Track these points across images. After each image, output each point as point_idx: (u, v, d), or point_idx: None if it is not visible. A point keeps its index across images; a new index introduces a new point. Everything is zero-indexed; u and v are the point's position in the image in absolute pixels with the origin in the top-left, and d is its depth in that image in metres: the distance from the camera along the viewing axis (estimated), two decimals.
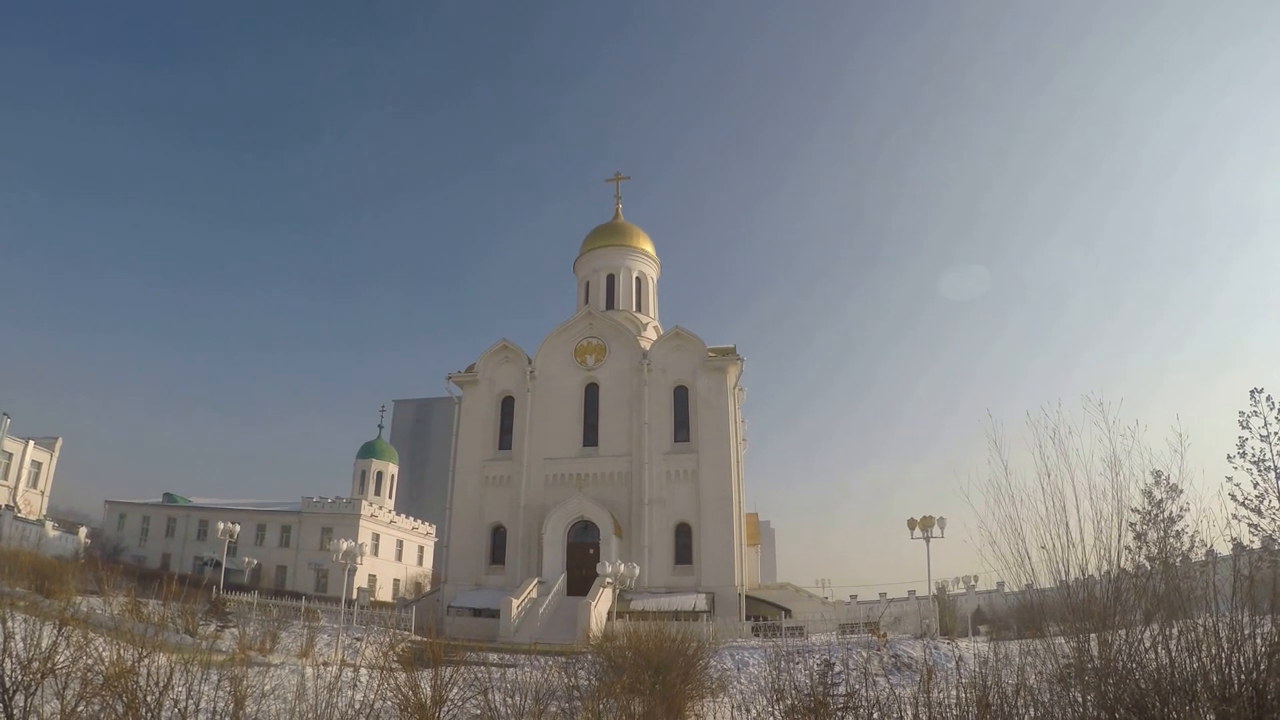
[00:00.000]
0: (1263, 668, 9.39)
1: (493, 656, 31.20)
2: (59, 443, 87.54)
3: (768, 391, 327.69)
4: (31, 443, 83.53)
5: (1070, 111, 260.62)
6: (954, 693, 9.64)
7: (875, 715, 9.64)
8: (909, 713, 9.26)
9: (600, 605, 47.99)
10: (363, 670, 20.56)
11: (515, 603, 49.24)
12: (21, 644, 12.30)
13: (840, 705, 12.13)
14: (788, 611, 55.23)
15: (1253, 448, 19.73)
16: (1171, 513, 13.64)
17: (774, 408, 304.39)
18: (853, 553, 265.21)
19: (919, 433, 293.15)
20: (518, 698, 15.09)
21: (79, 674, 12.01)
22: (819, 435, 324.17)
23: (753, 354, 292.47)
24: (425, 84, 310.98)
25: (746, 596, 57.55)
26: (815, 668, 16.86)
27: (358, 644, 34.81)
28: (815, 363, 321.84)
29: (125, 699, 10.65)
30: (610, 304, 72.41)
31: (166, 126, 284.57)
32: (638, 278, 74.84)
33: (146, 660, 12.38)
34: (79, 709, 11.21)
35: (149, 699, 10.80)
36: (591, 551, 57.52)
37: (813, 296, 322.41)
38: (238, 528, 57.14)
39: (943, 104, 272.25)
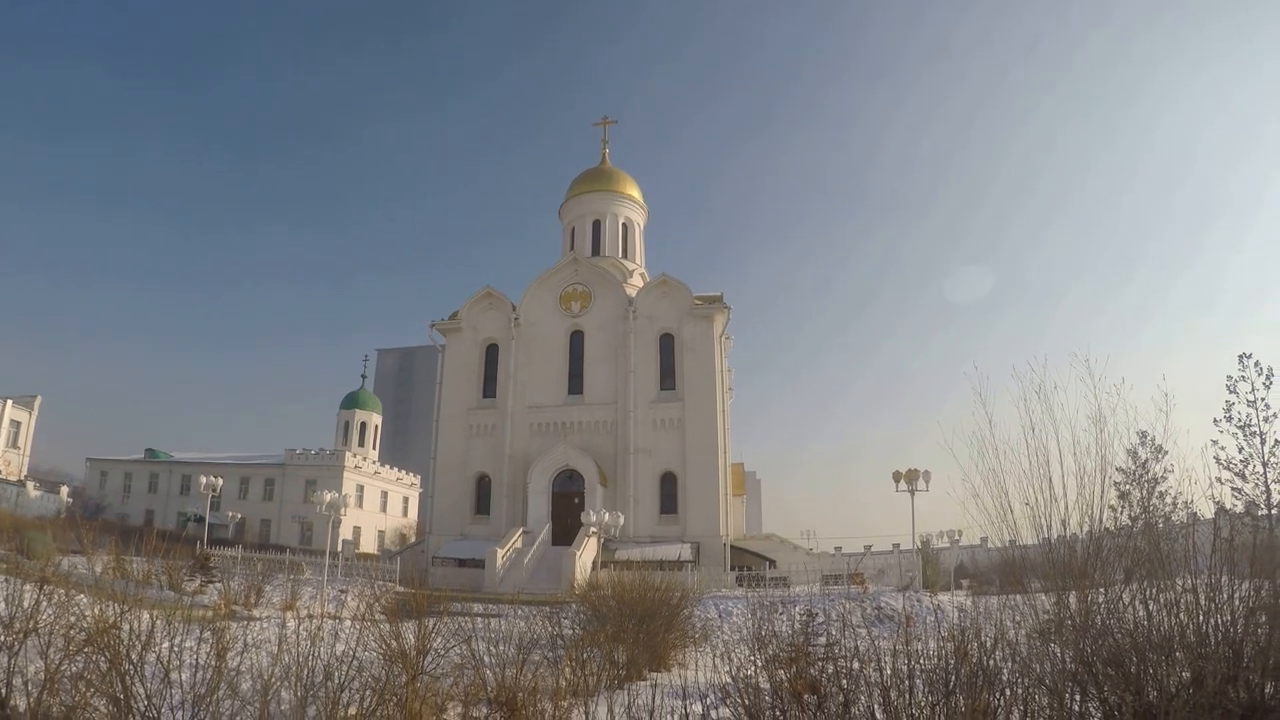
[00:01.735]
0: (1239, 628, 9.47)
1: (477, 607, 31.25)
2: (38, 401, 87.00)
3: (774, 345, 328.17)
4: (10, 401, 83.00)
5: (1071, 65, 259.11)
6: (933, 644, 9.66)
7: (855, 665, 9.64)
8: (889, 662, 9.26)
9: (585, 555, 48.21)
10: (347, 622, 20.62)
11: (500, 553, 49.42)
12: (3, 604, 12.24)
13: (821, 655, 12.15)
14: (772, 562, 55.52)
15: (1239, 412, 19.89)
16: (1156, 473, 13.67)
17: (781, 363, 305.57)
18: (845, 506, 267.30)
19: (928, 392, 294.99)
20: (502, 647, 15.10)
21: (62, 632, 11.97)
22: (819, 392, 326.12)
23: (759, 312, 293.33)
24: (401, 26, 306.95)
25: (731, 547, 57.90)
26: (798, 618, 16.96)
27: (342, 596, 34.86)
28: (822, 319, 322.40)
29: (108, 655, 10.61)
30: (596, 250, 71.84)
31: (134, 59, 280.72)
32: (624, 224, 74.29)
33: (129, 617, 12.34)
34: (63, 667, 11.17)
35: (132, 655, 10.76)
36: (577, 501, 57.64)
37: (820, 252, 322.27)
38: (220, 482, 56.95)
39: (950, 25, 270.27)
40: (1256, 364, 19.75)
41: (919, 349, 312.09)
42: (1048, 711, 9.18)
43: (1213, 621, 9.55)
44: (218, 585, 34.10)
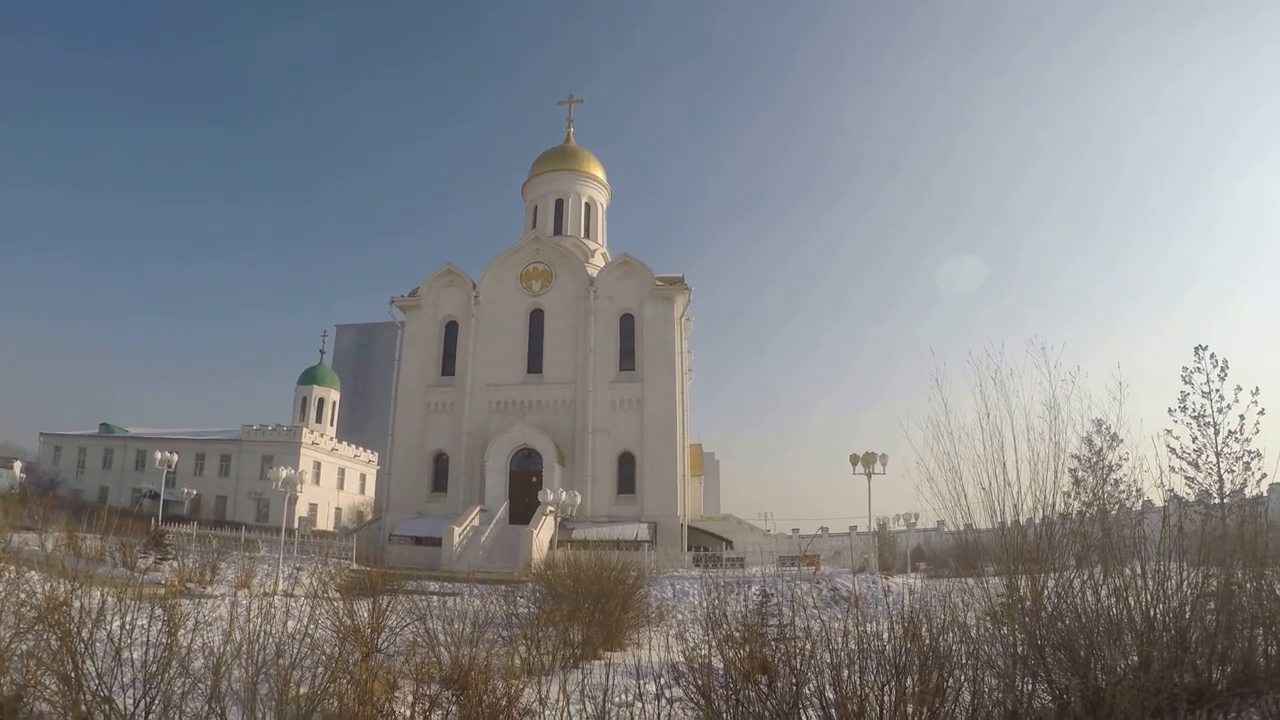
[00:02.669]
0: (1187, 614, 9.62)
1: (433, 585, 31.23)
2: None
3: (728, 327, 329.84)
4: None
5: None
6: (884, 625, 9.74)
7: (806, 645, 9.71)
8: (840, 643, 9.34)
9: (542, 534, 48.14)
10: (301, 599, 20.50)
11: (457, 531, 49.17)
12: None
13: (775, 636, 12.24)
14: (729, 543, 55.71)
15: (1194, 403, 20.24)
16: (1111, 461, 13.84)
17: (735, 344, 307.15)
18: (803, 488, 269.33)
19: (873, 374, 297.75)
20: (457, 625, 15.09)
21: (13, 609, 11.81)
22: (777, 373, 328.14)
23: (714, 293, 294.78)
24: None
25: (689, 527, 57.99)
26: (753, 598, 17.06)
27: (298, 574, 34.66)
28: (776, 301, 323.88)
29: (59, 633, 10.48)
30: (559, 229, 71.27)
31: (84, 27, 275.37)
32: (587, 203, 73.80)
33: (81, 594, 12.21)
34: (13, 645, 11.02)
35: (83, 633, 10.64)
36: (534, 480, 57.44)
37: (773, 237, 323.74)
38: (176, 458, 56.21)
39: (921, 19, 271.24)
40: (1212, 356, 20.02)
41: (873, 331, 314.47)
42: (997, 693, 9.29)
43: (1160, 607, 9.69)
44: (172, 562, 33.81)
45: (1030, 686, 9.48)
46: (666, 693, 11.39)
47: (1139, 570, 10.06)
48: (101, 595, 11.81)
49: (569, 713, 9.98)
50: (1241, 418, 19.34)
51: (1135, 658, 9.31)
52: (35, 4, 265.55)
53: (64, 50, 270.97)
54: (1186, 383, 20.11)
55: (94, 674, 9.95)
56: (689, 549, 50.91)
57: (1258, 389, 18.86)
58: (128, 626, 10.93)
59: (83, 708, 9.65)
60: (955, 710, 9.01)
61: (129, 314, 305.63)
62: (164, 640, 10.55)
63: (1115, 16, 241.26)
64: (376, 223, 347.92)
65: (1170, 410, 19.83)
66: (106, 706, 9.68)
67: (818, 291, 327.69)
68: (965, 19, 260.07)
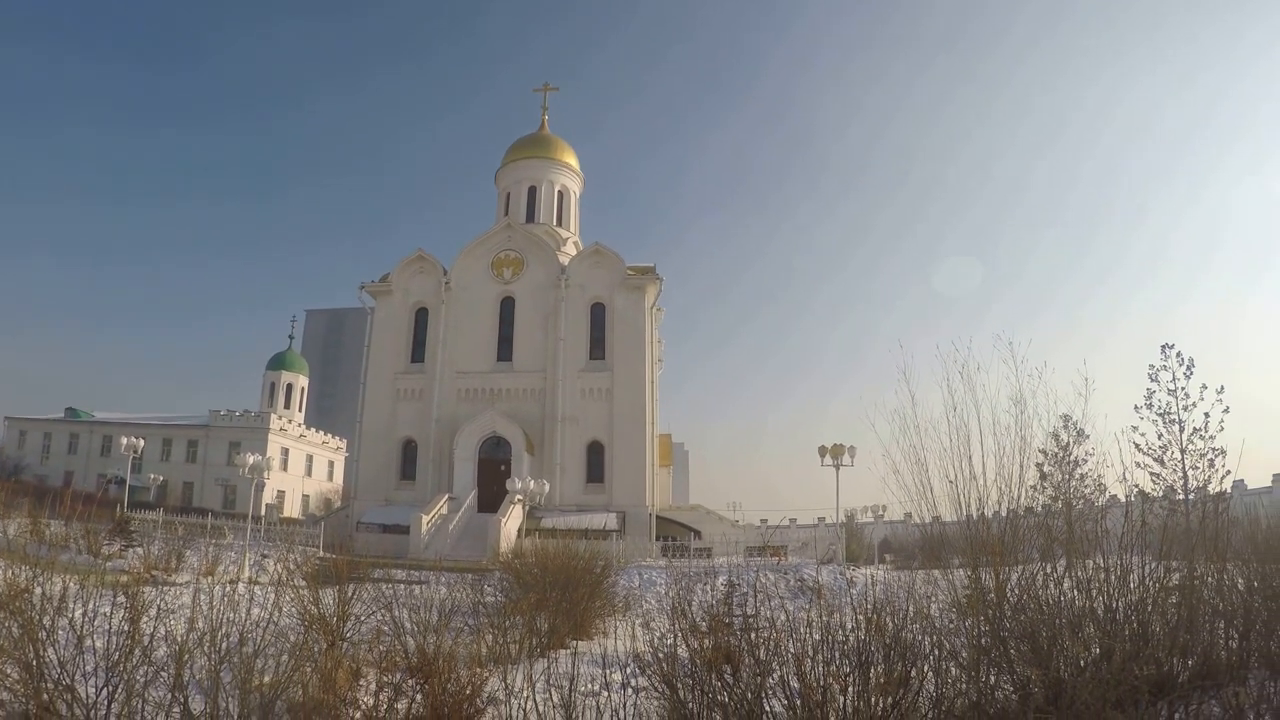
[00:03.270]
0: (1148, 607, 9.73)
1: (400, 573, 31.12)
2: None
3: (701, 319, 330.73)
4: None
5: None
6: (849, 615, 9.79)
7: (770, 634, 9.76)
8: (805, 633, 9.39)
9: (510, 522, 48.04)
10: (268, 587, 20.38)
11: (425, 519, 48.99)
12: None
13: (740, 626, 12.28)
14: (697, 533, 55.90)
15: (1160, 400, 20.50)
16: (1077, 456, 13.97)
17: (708, 336, 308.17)
18: (773, 479, 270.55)
19: (842, 367, 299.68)
20: (424, 614, 15.04)
21: None
22: (746, 364, 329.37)
23: (684, 285, 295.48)
24: None
25: (657, 517, 58.18)
26: (719, 588, 17.11)
27: (264, 561, 34.43)
28: (747, 294, 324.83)
29: (20, 621, 10.36)
30: (531, 217, 70.94)
31: (73, 37, 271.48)
32: (560, 191, 73.52)
33: (43, 581, 12.08)
34: None
35: (45, 621, 10.53)
36: (503, 468, 57.26)
37: (745, 231, 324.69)
38: (142, 443, 55.62)
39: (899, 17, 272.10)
40: (1178, 354, 20.24)
41: (842, 324, 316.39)
42: (961, 684, 9.36)
43: (1122, 601, 9.79)
44: (138, 549, 33.51)
45: (993, 677, 9.55)
46: (632, 682, 11.42)
47: (1102, 564, 10.15)
48: (63, 582, 11.69)
49: (535, 702, 9.98)
50: (1206, 415, 19.60)
51: (1097, 650, 9.39)
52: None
53: (31, 54, 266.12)
54: (1153, 380, 20.33)
55: (56, 662, 9.85)
56: (657, 539, 51.08)
57: (1223, 387, 19.10)
58: (90, 614, 10.82)
59: (45, 696, 9.56)
60: (919, 700, 9.08)
61: (99, 304, 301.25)
62: (126, 628, 10.45)
63: (1078, 23, 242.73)
64: (350, 209, 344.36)
65: (1136, 407, 20.06)
66: (69, 695, 9.59)
67: (789, 284, 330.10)
68: (938, 21, 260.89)
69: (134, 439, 52.71)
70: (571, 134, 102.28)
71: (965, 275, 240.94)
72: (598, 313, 63.11)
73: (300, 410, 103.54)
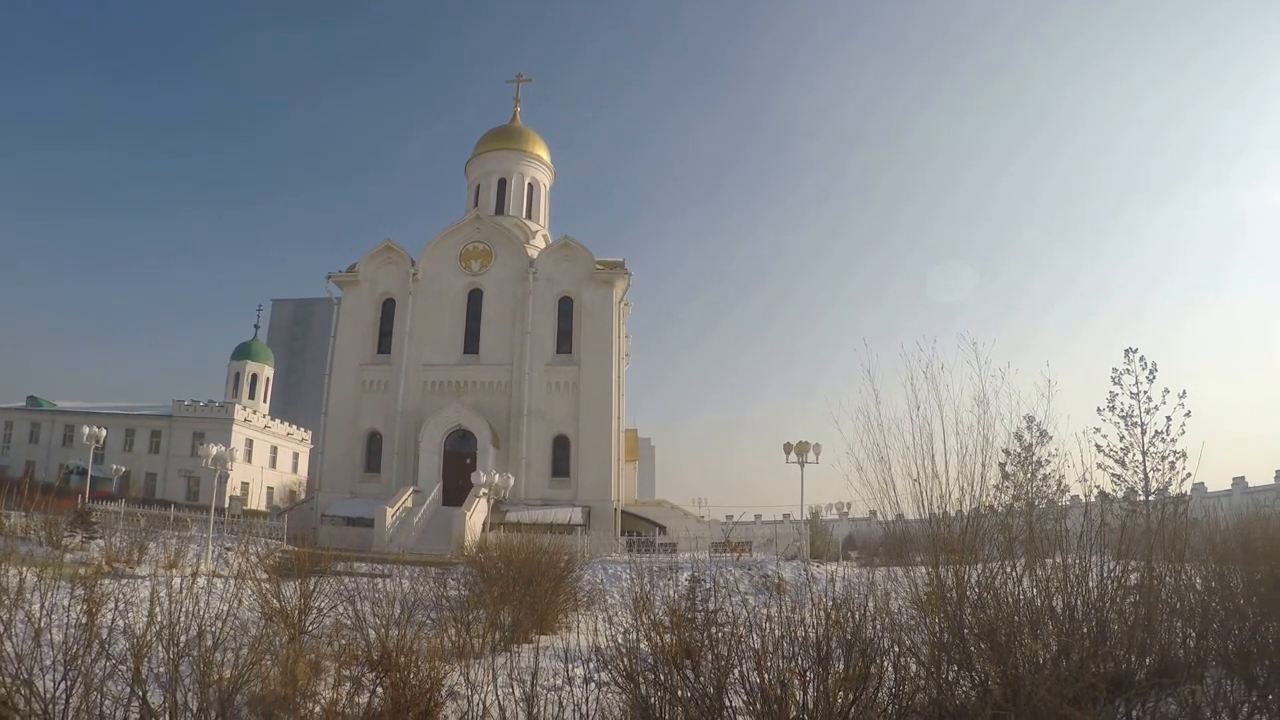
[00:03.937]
0: (1107, 605, 9.85)
1: (363, 566, 31.00)
2: None
3: (673, 316, 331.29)
4: None
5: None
6: (809, 610, 9.86)
7: (731, 630, 9.83)
8: (766, 628, 9.46)
9: (475, 516, 47.90)
10: (230, 580, 20.26)
11: (390, 512, 48.68)
12: None
13: (703, 622, 12.34)
14: (663, 528, 56.00)
15: (1122, 403, 20.74)
16: (1040, 457, 14.12)
17: (679, 333, 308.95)
18: (742, 476, 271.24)
19: (811, 366, 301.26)
20: (387, 607, 15.00)
21: None
22: (720, 362, 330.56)
23: (660, 283, 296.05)
24: None
25: (623, 512, 58.16)
26: (683, 583, 17.18)
27: (228, 554, 34.17)
28: (722, 292, 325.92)
29: None
30: (500, 209, 70.58)
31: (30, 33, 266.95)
32: (530, 184, 73.13)
33: (0, 572, 11.96)
34: None
35: (2, 613, 10.42)
36: (468, 461, 57.08)
37: (720, 230, 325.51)
38: (104, 433, 55.13)
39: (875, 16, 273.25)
40: (1141, 359, 20.47)
41: (813, 324, 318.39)
42: (921, 680, 9.44)
43: (1081, 599, 9.90)
44: (99, 541, 33.18)
45: (953, 674, 9.64)
46: (595, 677, 11.44)
47: (1060, 563, 10.27)
48: (20, 574, 11.57)
49: (497, 695, 9.98)
50: (1168, 419, 19.86)
51: (1055, 647, 9.49)
52: None
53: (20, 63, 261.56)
54: (1115, 383, 20.54)
55: (13, 656, 9.75)
56: (622, 534, 51.04)
57: (1185, 391, 19.35)
58: (48, 607, 10.72)
59: (2, 690, 9.46)
60: (879, 696, 9.15)
61: (61, 287, 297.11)
62: (84, 621, 10.36)
63: (1056, 26, 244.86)
64: (321, 208, 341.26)
65: (1099, 409, 20.30)
66: (26, 690, 9.49)
67: (764, 283, 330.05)
68: (920, 23, 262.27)
69: (96, 429, 52.16)
70: (549, 133, 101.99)
71: (959, 281, 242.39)
72: (565, 306, 62.95)
73: (265, 401, 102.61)
